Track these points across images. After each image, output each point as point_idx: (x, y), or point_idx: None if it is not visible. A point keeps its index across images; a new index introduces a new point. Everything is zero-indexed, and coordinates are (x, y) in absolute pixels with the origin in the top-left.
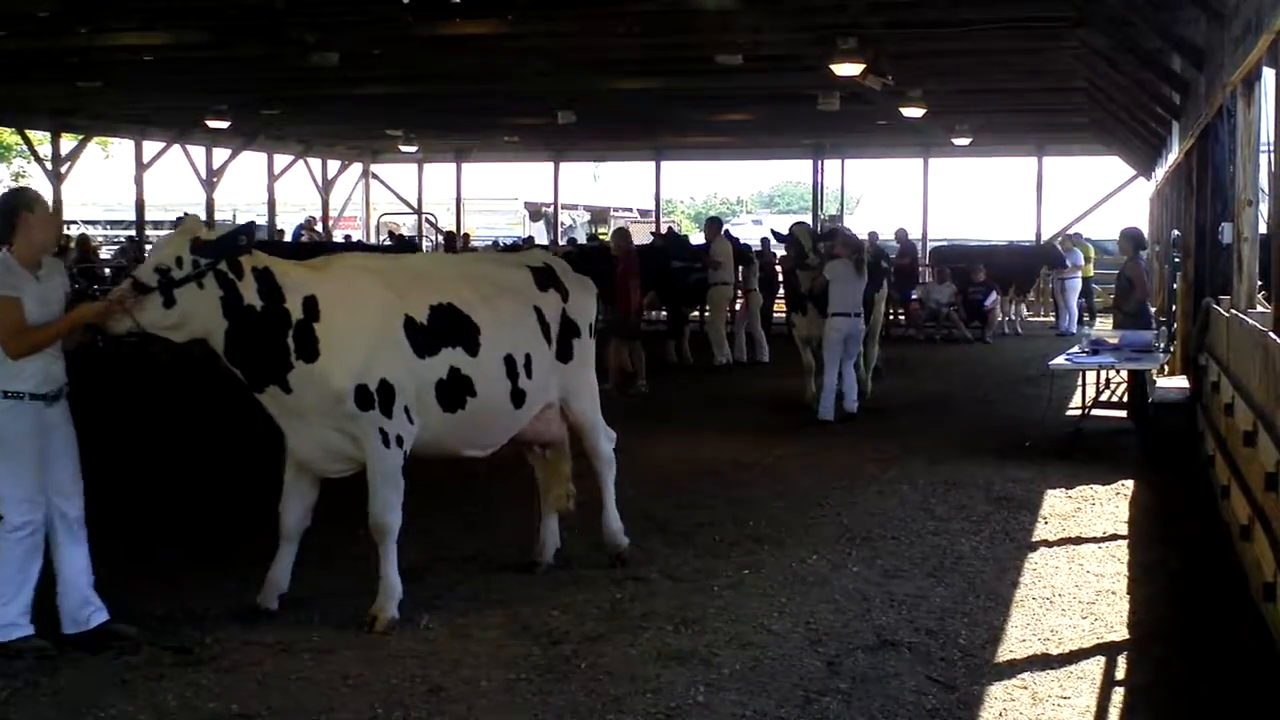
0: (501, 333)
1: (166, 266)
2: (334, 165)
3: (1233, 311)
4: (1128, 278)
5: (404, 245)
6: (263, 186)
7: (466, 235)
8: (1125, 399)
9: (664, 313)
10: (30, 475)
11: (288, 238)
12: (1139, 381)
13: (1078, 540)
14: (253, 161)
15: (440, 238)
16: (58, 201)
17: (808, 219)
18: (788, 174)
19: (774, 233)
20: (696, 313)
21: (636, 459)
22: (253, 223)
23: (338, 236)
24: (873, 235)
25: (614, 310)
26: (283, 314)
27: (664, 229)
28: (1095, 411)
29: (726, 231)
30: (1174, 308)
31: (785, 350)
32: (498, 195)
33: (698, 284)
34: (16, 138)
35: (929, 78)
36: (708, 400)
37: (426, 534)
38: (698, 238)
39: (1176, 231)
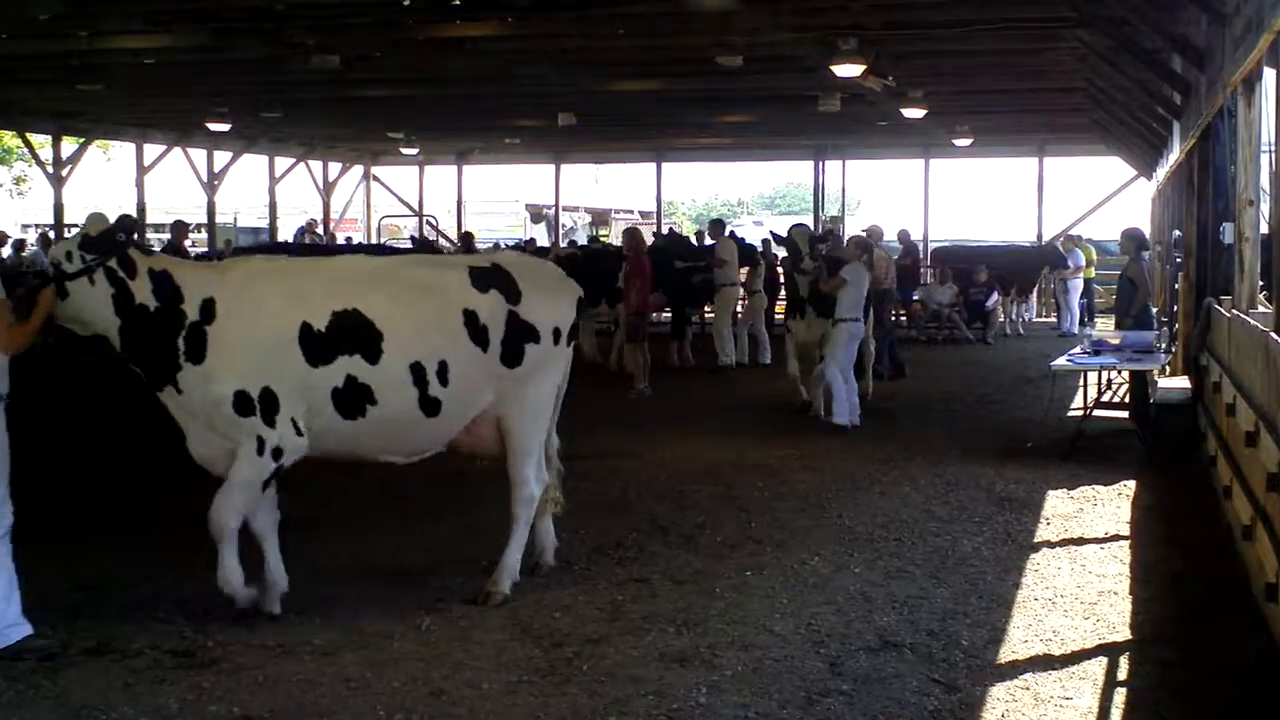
0: (410, 339)
1: (58, 261)
2: (335, 168)
3: (1234, 312)
4: (1129, 279)
5: (425, 246)
6: (264, 189)
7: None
8: (1127, 400)
9: (667, 314)
10: (5, 475)
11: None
12: (1140, 382)
13: (1080, 541)
14: (254, 164)
15: (457, 239)
16: (59, 205)
17: (809, 220)
18: (790, 175)
19: (773, 234)
20: (698, 314)
21: (638, 461)
22: (129, 216)
23: (338, 238)
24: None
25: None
26: (178, 315)
27: (666, 230)
28: (1097, 412)
29: (732, 233)
30: (1175, 308)
31: (781, 351)
32: (499, 197)
33: (702, 285)
34: (18, 141)
35: (930, 78)
36: (709, 401)
37: (428, 538)
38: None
39: (1178, 232)
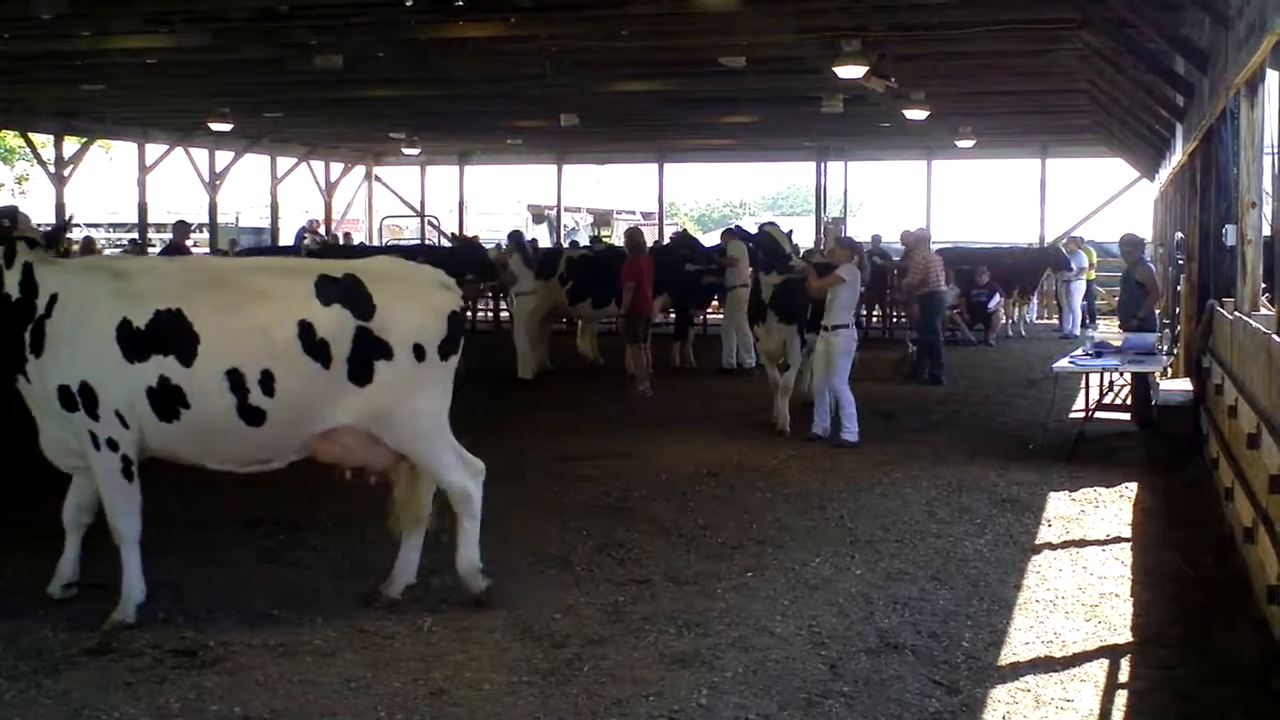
0: (229, 345)
1: None
2: (337, 168)
3: (1237, 314)
4: (1138, 282)
5: (468, 246)
6: (266, 189)
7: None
8: (1129, 401)
9: (671, 315)
10: None
11: (290, 240)
12: (1142, 384)
13: (1081, 543)
14: (256, 164)
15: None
16: (61, 204)
17: (810, 222)
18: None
19: (737, 229)
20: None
21: (640, 462)
22: (14, 207)
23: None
24: (876, 238)
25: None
26: (30, 308)
27: (678, 230)
28: (1099, 414)
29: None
30: (1178, 310)
31: None
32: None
33: (708, 287)
34: (20, 140)
35: (932, 80)
36: (711, 403)
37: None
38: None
39: (1180, 233)
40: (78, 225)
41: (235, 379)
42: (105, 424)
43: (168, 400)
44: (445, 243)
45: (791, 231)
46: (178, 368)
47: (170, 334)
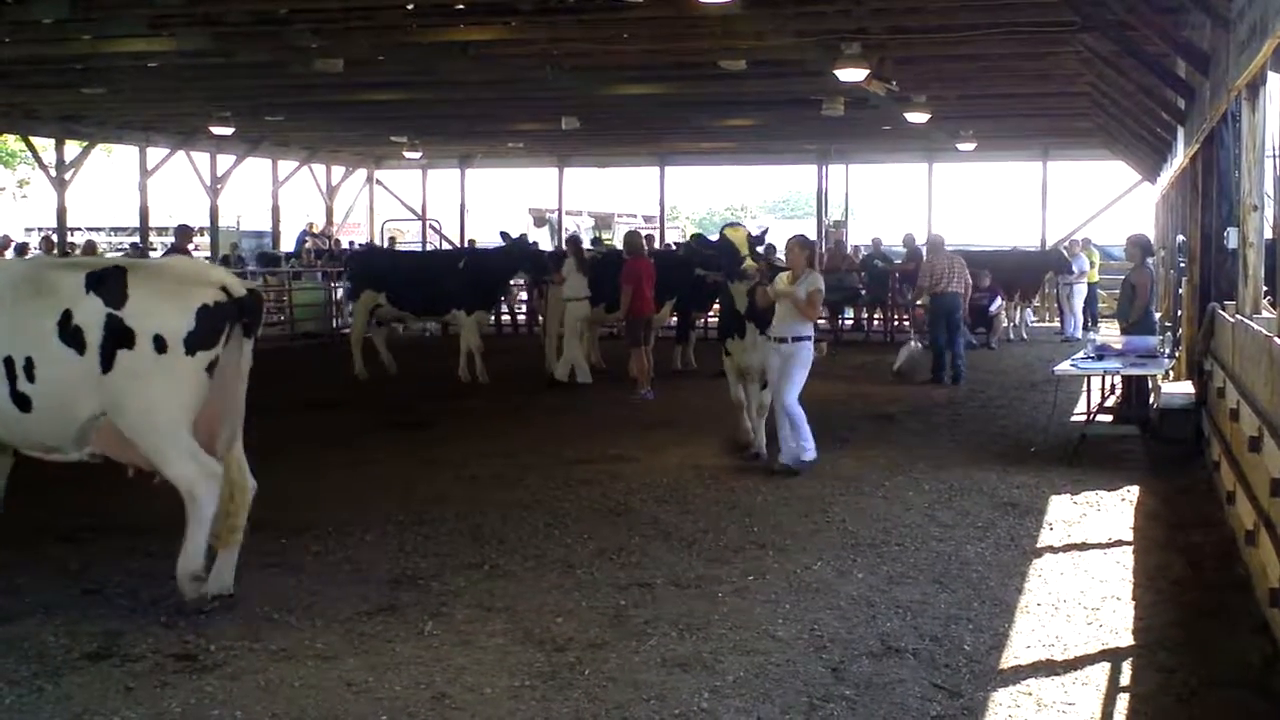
0: (4, 335)
1: None
2: (338, 172)
3: (1238, 317)
4: (1132, 285)
5: (519, 245)
6: (267, 193)
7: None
8: (1131, 404)
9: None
10: None
11: (290, 244)
12: (1140, 386)
13: (1083, 546)
14: (257, 168)
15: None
16: (62, 208)
17: (811, 225)
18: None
19: (697, 237)
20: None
21: (641, 465)
22: None
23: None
24: (876, 241)
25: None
26: None
27: (689, 234)
28: (1100, 417)
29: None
30: (1179, 313)
31: None
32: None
33: (711, 290)
34: (21, 144)
35: (933, 83)
36: (712, 406)
37: (430, 541)
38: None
39: (1181, 236)
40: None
41: (8, 366)
42: None
43: None
44: (496, 244)
45: (765, 231)
46: None
47: None
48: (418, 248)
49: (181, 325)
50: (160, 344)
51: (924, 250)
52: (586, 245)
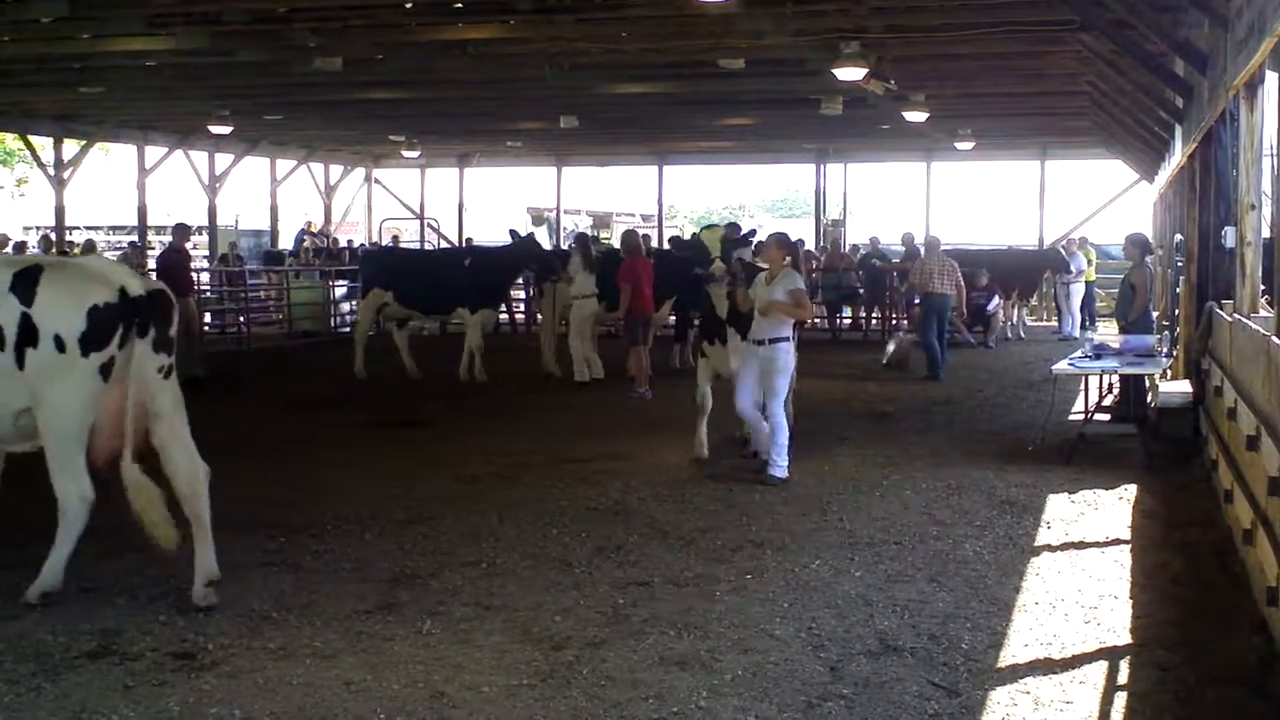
0: None
1: None
2: (336, 170)
3: (1236, 316)
4: (1131, 285)
5: (526, 243)
6: (265, 192)
7: (470, 240)
8: (1129, 403)
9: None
10: None
11: (289, 242)
12: (1136, 385)
13: (1080, 545)
14: (255, 167)
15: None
16: (60, 207)
17: (810, 225)
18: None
19: (674, 240)
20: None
21: (639, 464)
22: None
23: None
24: (874, 240)
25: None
26: None
27: (688, 234)
28: (1098, 416)
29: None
30: (1177, 312)
31: None
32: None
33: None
34: (19, 143)
35: (931, 82)
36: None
37: (429, 540)
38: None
39: (1179, 236)
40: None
41: None
42: None
43: None
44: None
45: (753, 233)
46: None
47: None
48: (416, 247)
49: (75, 325)
50: (60, 344)
51: (923, 250)
52: None
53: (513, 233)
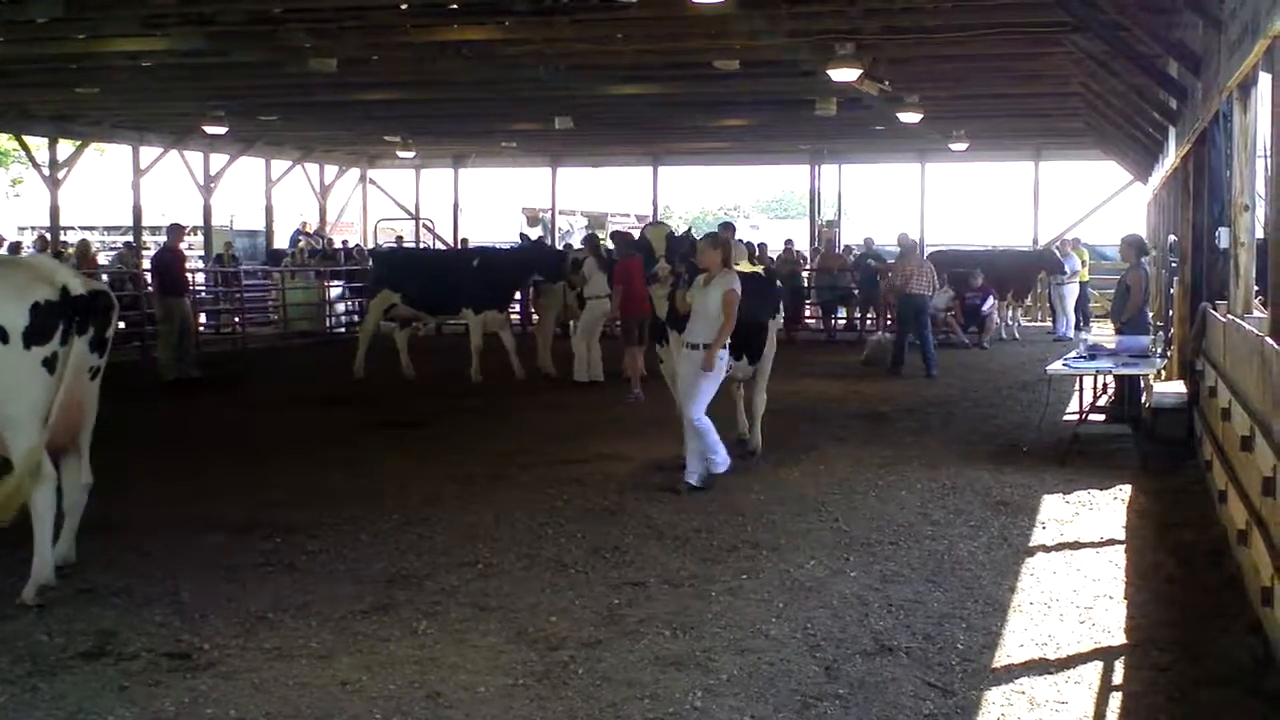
0: None
1: None
2: (331, 171)
3: (1230, 316)
4: (1126, 285)
5: (536, 246)
6: (260, 192)
7: (465, 241)
8: (1123, 403)
9: None
10: None
11: (284, 243)
12: (1136, 386)
13: (1075, 545)
14: (250, 167)
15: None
16: (55, 207)
17: (804, 226)
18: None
19: (614, 235)
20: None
21: (633, 464)
22: None
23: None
24: (868, 241)
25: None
26: None
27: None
28: (1092, 416)
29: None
30: (1171, 312)
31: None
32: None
33: None
34: (14, 143)
35: (926, 83)
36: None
37: (425, 540)
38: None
39: (1173, 236)
40: (71, 228)
41: None
42: None
43: None
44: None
45: (688, 230)
46: None
47: None
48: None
49: (19, 320)
50: (4, 336)
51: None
52: (578, 245)
53: (523, 236)
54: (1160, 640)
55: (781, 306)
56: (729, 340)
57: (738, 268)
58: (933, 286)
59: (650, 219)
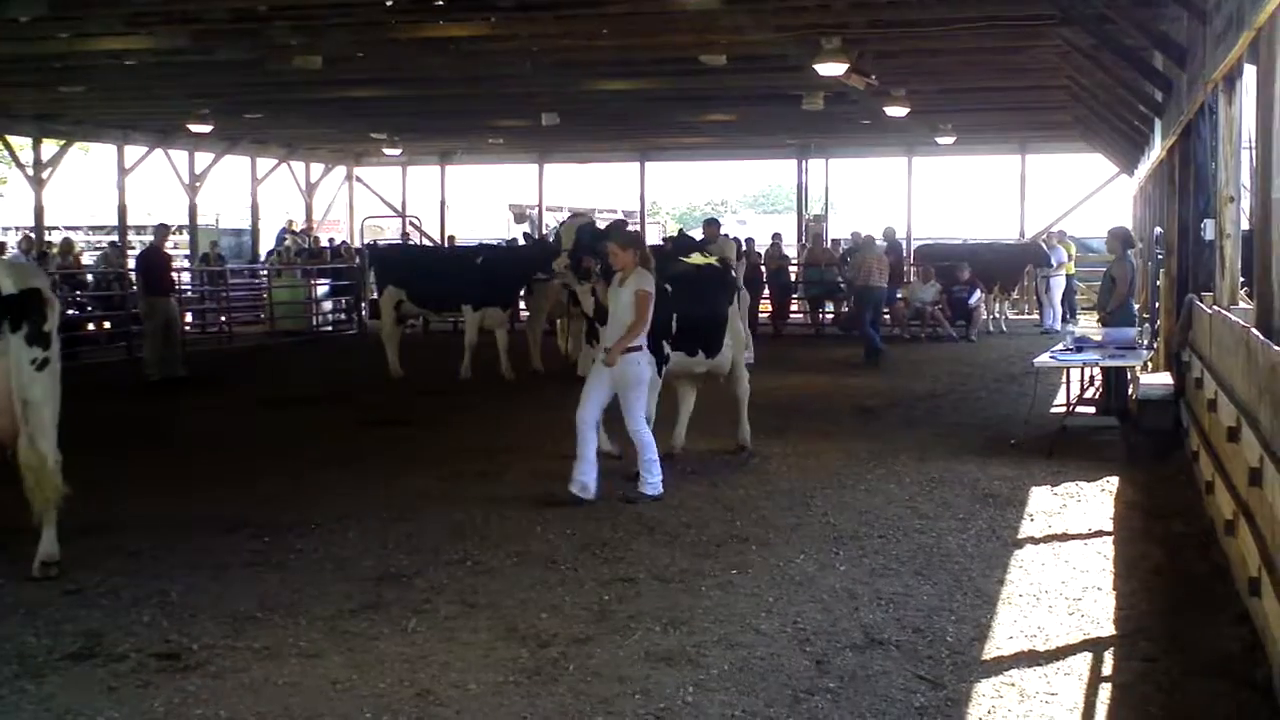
0: None
1: None
2: (317, 169)
3: (1215, 308)
4: (1112, 277)
5: (539, 244)
6: (246, 191)
7: (452, 238)
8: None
9: None
10: None
11: (270, 241)
12: (1123, 378)
13: (1064, 537)
14: (236, 166)
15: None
16: (39, 207)
17: (791, 220)
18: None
19: (524, 235)
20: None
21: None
22: None
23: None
24: (856, 235)
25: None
26: None
27: (675, 230)
28: (1080, 409)
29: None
30: (1157, 304)
31: (770, 350)
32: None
33: None
34: None
35: (912, 77)
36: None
37: (414, 537)
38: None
39: (1159, 228)
40: (56, 228)
41: None
42: None
43: None
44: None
45: (614, 224)
46: None
47: None
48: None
49: None
50: None
51: (902, 243)
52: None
53: (527, 235)
54: (1149, 631)
55: (767, 294)
56: (641, 344)
57: (691, 259)
58: (887, 278)
59: (637, 215)
